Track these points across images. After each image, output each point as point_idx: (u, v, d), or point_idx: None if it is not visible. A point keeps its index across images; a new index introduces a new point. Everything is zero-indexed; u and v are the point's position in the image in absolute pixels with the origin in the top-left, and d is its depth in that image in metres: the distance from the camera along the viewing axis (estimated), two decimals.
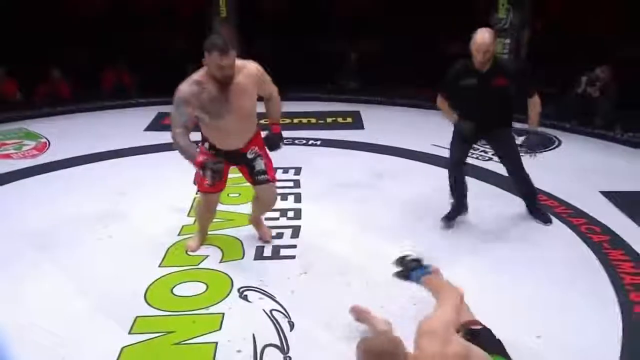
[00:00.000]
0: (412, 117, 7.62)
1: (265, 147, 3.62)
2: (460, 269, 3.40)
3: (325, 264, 3.72)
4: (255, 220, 4.01)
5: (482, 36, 3.62)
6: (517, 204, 4.36)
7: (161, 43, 9.25)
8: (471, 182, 4.40)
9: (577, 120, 6.66)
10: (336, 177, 5.26)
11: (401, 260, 2.98)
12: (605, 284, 3.49)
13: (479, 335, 2.40)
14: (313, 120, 7.44)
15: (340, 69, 9.17)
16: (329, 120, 7.49)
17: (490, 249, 3.90)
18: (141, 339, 2.96)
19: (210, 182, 3.19)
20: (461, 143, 4.09)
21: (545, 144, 3.51)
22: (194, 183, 3.70)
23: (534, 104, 3.90)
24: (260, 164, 3.57)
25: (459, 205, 4.22)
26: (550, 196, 4.68)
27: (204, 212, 3.83)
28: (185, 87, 3.25)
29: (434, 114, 7.25)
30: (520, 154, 4.13)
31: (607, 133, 6.44)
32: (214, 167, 3.16)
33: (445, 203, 4.28)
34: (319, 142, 6.40)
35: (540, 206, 4.30)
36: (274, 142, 3.62)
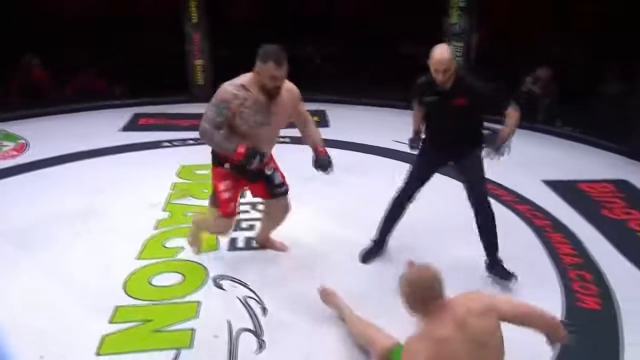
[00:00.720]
0: (375, 115, 7.68)
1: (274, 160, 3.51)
2: (422, 252, 3.49)
3: (296, 253, 3.77)
4: (264, 239, 3.84)
5: (441, 53, 3.15)
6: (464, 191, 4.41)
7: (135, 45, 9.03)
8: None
9: (522, 116, 6.79)
10: (305, 172, 5.25)
11: None
12: (547, 263, 3.64)
13: None
14: None
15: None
16: None
17: (444, 236, 3.97)
18: (121, 328, 2.97)
19: (257, 165, 3.03)
20: (424, 165, 3.53)
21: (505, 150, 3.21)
22: (213, 205, 3.41)
23: (509, 116, 3.28)
24: (277, 177, 3.45)
25: (382, 239, 3.72)
26: (498, 185, 4.80)
27: (216, 233, 3.74)
28: (230, 89, 3.01)
29: (396, 112, 7.44)
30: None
31: (548, 127, 6.60)
32: (258, 152, 3.01)
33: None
34: (288, 140, 6.38)
35: (501, 260, 3.42)
36: (325, 163, 3.33)
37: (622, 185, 5.00)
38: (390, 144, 6.16)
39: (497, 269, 3.39)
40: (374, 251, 3.71)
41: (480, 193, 3.39)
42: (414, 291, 2.13)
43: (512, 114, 3.25)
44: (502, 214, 4.25)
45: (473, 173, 3.39)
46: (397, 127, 6.67)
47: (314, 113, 7.53)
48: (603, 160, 5.73)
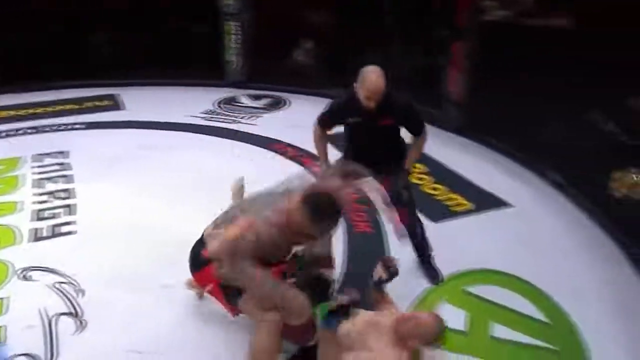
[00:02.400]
0: (167, 94, 7.33)
1: None
2: None
3: (107, 232, 3.52)
4: None
5: (376, 80, 2.68)
6: None
7: None
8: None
9: (299, 84, 7.10)
10: (106, 155, 4.90)
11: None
12: None
13: None
14: (73, 106, 6.67)
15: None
16: (88, 104, 6.78)
17: None
18: None
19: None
20: None
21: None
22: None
23: (418, 144, 2.97)
24: None
25: None
26: (288, 145, 5.06)
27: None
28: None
29: (186, 90, 7.23)
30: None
31: (322, 91, 6.95)
32: None
33: (213, 169, 4.28)
34: (84, 126, 5.85)
35: (432, 261, 3.11)
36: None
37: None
38: (186, 119, 6.02)
39: (425, 268, 3.10)
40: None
41: (409, 203, 3.02)
42: None
43: (421, 140, 2.98)
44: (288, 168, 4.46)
45: (397, 186, 2.96)
46: (189, 103, 6.57)
47: (103, 98, 7.04)
48: None
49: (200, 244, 2.34)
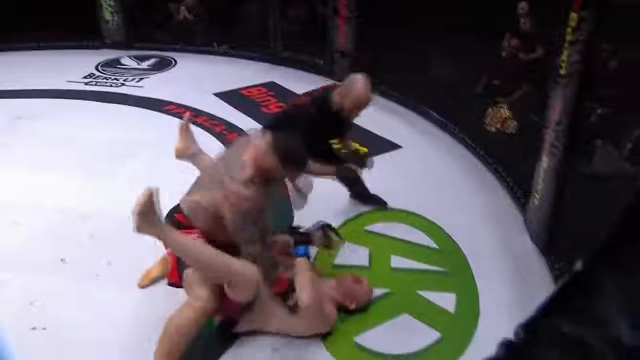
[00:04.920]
0: (41, 58, 6.59)
1: None
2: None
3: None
4: None
5: (367, 91, 2.63)
6: None
7: None
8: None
9: (184, 42, 6.76)
10: None
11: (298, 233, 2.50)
12: None
13: None
14: None
15: None
16: None
17: None
18: None
19: None
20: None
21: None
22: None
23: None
24: None
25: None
26: (178, 105, 4.82)
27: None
28: (248, 193, 2.16)
29: (62, 54, 6.54)
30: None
31: (206, 48, 6.70)
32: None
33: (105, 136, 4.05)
34: None
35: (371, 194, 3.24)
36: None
37: (271, 86, 5.50)
38: (68, 85, 5.51)
39: (367, 201, 3.22)
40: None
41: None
42: None
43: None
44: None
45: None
46: (68, 68, 5.98)
47: None
48: (254, 69, 6.10)
49: (177, 207, 2.28)
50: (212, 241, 2.12)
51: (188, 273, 2.11)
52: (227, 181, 2.14)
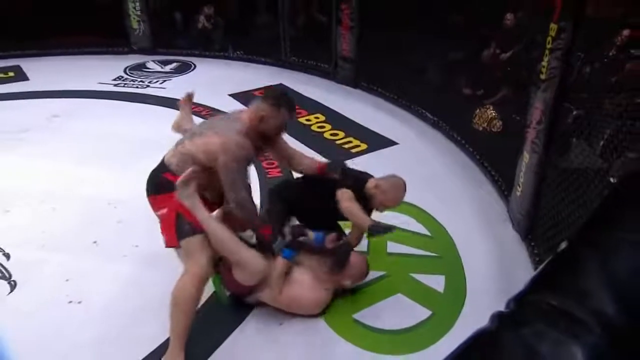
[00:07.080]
0: (74, 62, 6.59)
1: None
2: None
3: (25, 201, 3.19)
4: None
5: (403, 194, 2.39)
6: None
7: None
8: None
9: (203, 48, 6.75)
10: (14, 126, 4.37)
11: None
12: None
13: None
14: None
15: None
16: None
17: None
18: None
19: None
20: None
21: None
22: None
23: None
24: None
25: None
26: (195, 104, 4.79)
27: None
28: (245, 141, 2.05)
29: (93, 58, 6.56)
30: None
31: (223, 53, 6.71)
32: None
33: (130, 133, 4.02)
34: None
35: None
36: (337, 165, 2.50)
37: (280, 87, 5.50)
38: (99, 86, 5.50)
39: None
40: None
41: None
42: None
43: None
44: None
45: None
46: (99, 71, 5.99)
47: (8, 69, 6.20)
48: (265, 72, 6.07)
49: (163, 167, 2.10)
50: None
51: (188, 240, 2.00)
52: (224, 129, 2.05)
